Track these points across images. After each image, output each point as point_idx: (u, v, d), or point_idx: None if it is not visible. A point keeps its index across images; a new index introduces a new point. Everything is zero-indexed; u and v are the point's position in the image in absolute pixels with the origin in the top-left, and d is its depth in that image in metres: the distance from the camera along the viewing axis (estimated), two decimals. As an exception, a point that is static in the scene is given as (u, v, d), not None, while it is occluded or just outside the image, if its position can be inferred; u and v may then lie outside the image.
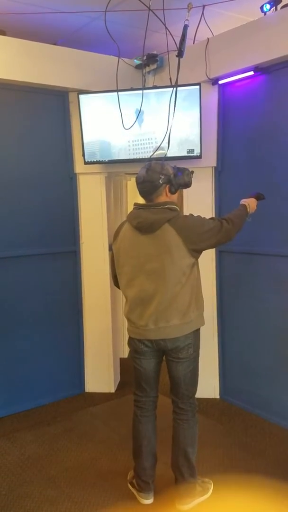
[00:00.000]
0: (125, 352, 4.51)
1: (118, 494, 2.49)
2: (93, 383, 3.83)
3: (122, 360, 4.13)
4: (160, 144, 3.02)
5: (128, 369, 4.10)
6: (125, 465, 2.72)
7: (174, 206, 2.23)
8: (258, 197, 2.61)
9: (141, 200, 2.35)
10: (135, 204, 2.31)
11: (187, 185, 2.30)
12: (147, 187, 2.22)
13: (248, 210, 2.49)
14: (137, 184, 2.27)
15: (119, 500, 2.45)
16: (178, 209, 2.26)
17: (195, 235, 2.18)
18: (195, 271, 2.27)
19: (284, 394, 3.16)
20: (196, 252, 2.21)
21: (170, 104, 2.51)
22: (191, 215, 2.27)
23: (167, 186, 2.23)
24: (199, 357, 2.36)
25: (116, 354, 3.97)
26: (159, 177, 2.20)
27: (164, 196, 2.24)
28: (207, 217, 2.29)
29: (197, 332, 2.30)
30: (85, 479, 2.65)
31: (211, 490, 2.46)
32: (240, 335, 3.45)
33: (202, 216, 2.28)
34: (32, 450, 2.95)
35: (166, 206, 2.20)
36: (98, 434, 3.16)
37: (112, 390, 3.82)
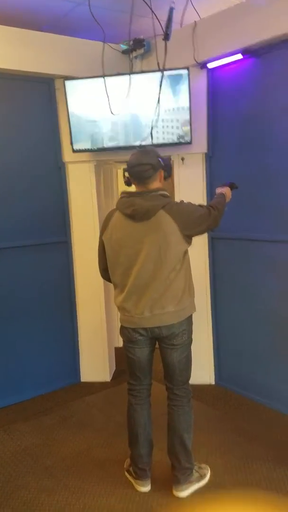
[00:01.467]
0: (119, 341, 4.50)
1: (115, 482, 2.50)
2: (89, 372, 3.83)
3: (117, 349, 4.13)
4: (151, 131, 3.00)
5: (123, 359, 4.10)
6: (121, 452, 2.73)
7: (166, 193, 2.21)
8: (232, 186, 2.63)
9: (129, 190, 2.31)
10: (124, 192, 2.27)
11: (170, 175, 2.31)
12: (145, 169, 2.16)
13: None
14: (131, 168, 2.20)
15: (116, 488, 2.45)
16: (169, 195, 2.25)
17: (190, 221, 2.18)
18: (187, 257, 2.27)
19: (278, 378, 3.17)
20: (189, 238, 2.21)
21: (159, 89, 2.49)
22: (182, 201, 2.25)
23: (162, 171, 2.23)
24: (192, 343, 2.37)
25: (111, 343, 3.97)
26: (158, 160, 2.18)
27: (158, 182, 2.23)
28: (196, 204, 2.30)
29: (190, 318, 2.31)
30: (81, 468, 2.65)
31: (208, 476, 2.47)
32: (234, 321, 3.45)
33: (192, 203, 2.27)
34: (29, 441, 2.95)
35: (159, 192, 2.18)
36: (94, 422, 3.17)
37: (108, 379, 3.82)
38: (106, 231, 2.30)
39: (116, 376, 3.90)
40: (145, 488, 2.42)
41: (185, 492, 2.36)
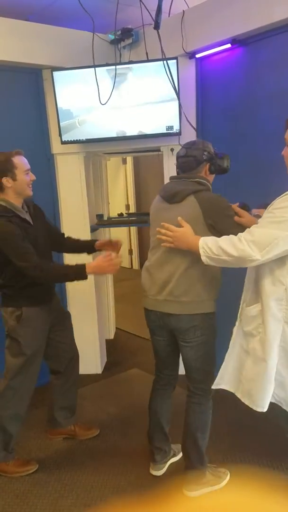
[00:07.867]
0: (110, 333, 4.51)
1: (108, 474, 2.51)
2: (80, 365, 3.81)
3: (108, 342, 4.13)
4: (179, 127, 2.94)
5: (114, 350, 4.11)
6: (113, 444, 2.74)
7: (205, 182, 2.17)
8: (244, 207, 2.43)
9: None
10: (170, 177, 2.32)
11: (225, 170, 2.25)
12: (188, 161, 2.17)
13: None
14: (177, 159, 2.23)
15: (109, 479, 2.46)
16: (210, 187, 2.20)
17: (216, 212, 2.09)
18: None
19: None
20: (214, 230, 2.08)
21: (170, 79, 2.44)
22: (221, 196, 2.18)
23: (208, 164, 2.19)
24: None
25: (102, 336, 3.96)
26: (203, 153, 2.17)
27: (203, 174, 2.20)
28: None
29: (206, 316, 2.20)
30: (74, 460, 2.65)
31: (225, 481, 2.34)
32: (225, 314, 3.45)
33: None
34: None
35: (196, 179, 2.15)
36: (86, 414, 3.17)
37: (99, 372, 3.82)
38: (151, 208, 2.36)
39: (107, 368, 3.90)
40: (154, 472, 2.46)
41: (193, 493, 2.24)
